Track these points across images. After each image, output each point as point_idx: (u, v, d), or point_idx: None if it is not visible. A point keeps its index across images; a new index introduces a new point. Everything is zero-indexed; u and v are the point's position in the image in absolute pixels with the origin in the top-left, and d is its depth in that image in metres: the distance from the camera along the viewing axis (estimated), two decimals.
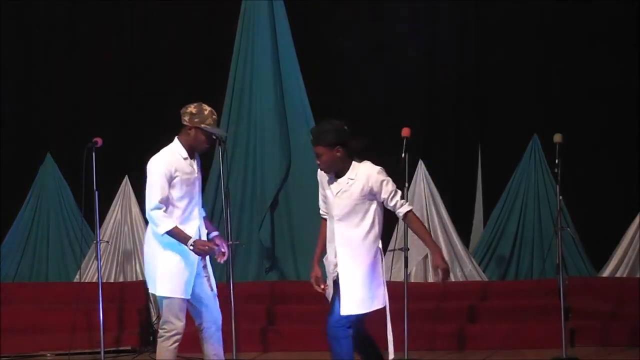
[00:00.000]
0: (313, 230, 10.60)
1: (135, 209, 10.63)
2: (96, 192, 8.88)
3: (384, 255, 6.69)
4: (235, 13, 10.73)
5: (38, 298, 10.12)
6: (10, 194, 10.68)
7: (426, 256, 10.58)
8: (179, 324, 6.86)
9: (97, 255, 8.97)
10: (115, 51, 10.88)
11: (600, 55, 10.70)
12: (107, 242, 10.25)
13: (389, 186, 6.47)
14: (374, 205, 6.49)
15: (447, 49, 10.91)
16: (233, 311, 8.65)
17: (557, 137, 8.84)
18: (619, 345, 9.39)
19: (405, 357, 8.63)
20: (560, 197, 8.80)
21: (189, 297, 6.89)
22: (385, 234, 10.27)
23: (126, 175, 10.67)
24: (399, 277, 9.80)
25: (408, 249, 8.84)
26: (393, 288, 9.27)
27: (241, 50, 10.74)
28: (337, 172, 6.55)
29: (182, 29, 10.88)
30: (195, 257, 6.90)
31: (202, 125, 6.92)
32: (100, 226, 9.51)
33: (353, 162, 6.55)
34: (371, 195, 6.46)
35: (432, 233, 10.59)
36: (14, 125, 10.79)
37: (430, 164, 10.74)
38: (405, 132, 8.67)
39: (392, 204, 6.47)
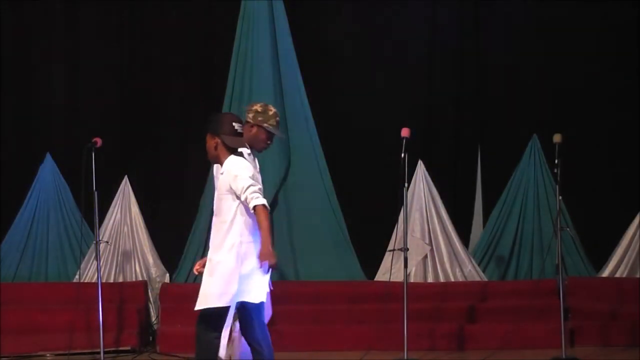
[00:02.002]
0: (312, 231, 10.70)
1: (135, 209, 10.62)
2: (96, 192, 8.87)
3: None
4: (235, 13, 10.73)
5: (38, 298, 10.10)
6: (10, 194, 10.67)
7: (426, 256, 10.59)
8: None
9: (96, 256, 8.97)
10: (115, 51, 10.88)
11: (600, 55, 10.71)
12: (107, 242, 10.24)
13: (240, 181, 6.31)
14: (236, 202, 6.39)
15: (447, 49, 10.92)
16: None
17: (557, 137, 8.84)
18: (618, 345, 9.40)
19: (405, 357, 8.63)
20: (560, 197, 8.80)
21: None
22: (385, 234, 10.40)
23: (126, 175, 10.66)
24: (399, 277, 9.80)
25: (408, 249, 8.84)
26: (393, 288, 9.37)
27: (241, 50, 10.74)
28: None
29: (181, 29, 10.88)
30: None
31: (265, 125, 6.98)
32: (99, 226, 9.51)
33: (229, 157, 6.49)
34: (232, 190, 6.38)
35: (431, 233, 10.62)
36: (14, 125, 10.78)
37: (430, 164, 10.74)
38: (405, 132, 8.66)
39: (243, 199, 6.34)
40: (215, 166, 6.99)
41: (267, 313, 7.08)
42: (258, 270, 6.40)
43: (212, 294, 6.34)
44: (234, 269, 6.35)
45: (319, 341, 9.54)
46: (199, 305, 6.38)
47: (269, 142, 7.13)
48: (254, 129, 7.16)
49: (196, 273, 6.73)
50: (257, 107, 7.14)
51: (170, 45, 10.89)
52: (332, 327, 9.69)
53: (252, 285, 6.43)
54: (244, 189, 6.31)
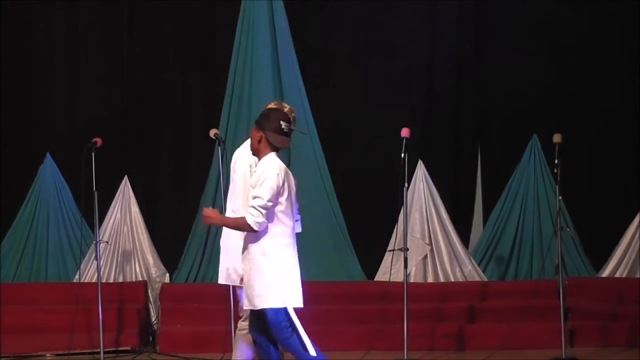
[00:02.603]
0: (312, 231, 10.69)
1: (135, 209, 10.62)
2: (96, 192, 8.87)
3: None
4: (235, 13, 10.73)
5: (38, 298, 10.11)
6: (10, 194, 10.67)
7: (426, 256, 10.59)
8: None
9: (96, 256, 8.97)
10: (114, 50, 10.87)
11: (600, 56, 10.71)
12: (107, 242, 10.24)
13: (257, 189, 6.38)
14: None
15: (447, 48, 10.91)
16: (233, 311, 8.64)
17: (557, 137, 8.85)
18: (618, 345, 9.40)
19: (405, 357, 8.64)
20: (560, 198, 8.81)
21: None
22: (385, 234, 10.40)
23: (125, 176, 10.67)
24: (399, 277, 9.80)
25: (408, 249, 8.84)
26: (393, 288, 9.37)
27: (241, 50, 10.74)
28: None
29: (181, 28, 10.88)
30: None
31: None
32: (99, 226, 9.51)
33: (269, 155, 6.52)
34: None
35: (431, 233, 10.61)
36: (14, 125, 10.78)
37: (430, 164, 10.74)
38: (405, 132, 8.67)
39: (249, 203, 6.41)
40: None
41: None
42: (286, 273, 6.53)
43: (261, 294, 6.44)
44: (277, 271, 6.47)
45: (319, 341, 9.45)
46: (258, 305, 6.46)
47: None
48: None
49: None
50: (272, 105, 7.15)
51: (171, 45, 10.88)
52: (332, 327, 9.69)
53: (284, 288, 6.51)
54: (251, 198, 6.37)
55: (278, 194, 6.41)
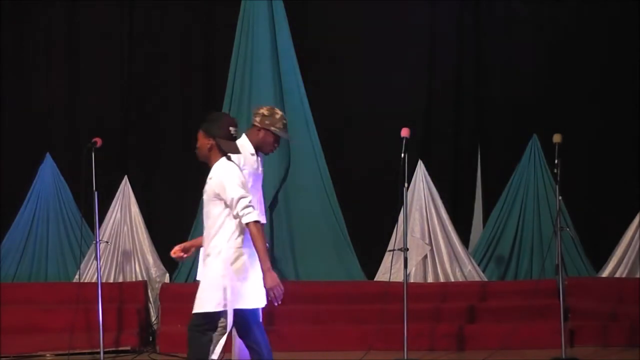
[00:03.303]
0: (312, 231, 10.71)
1: (135, 208, 10.63)
2: (96, 192, 8.87)
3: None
4: (235, 13, 10.73)
5: (38, 298, 10.11)
6: (10, 194, 10.67)
7: (426, 256, 10.59)
8: None
9: (96, 256, 8.97)
10: (115, 51, 10.88)
11: (600, 56, 10.72)
12: (107, 242, 10.25)
13: (229, 192, 6.24)
14: (225, 209, 6.29)
15: (447, 49, 10.91)
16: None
17: (557, 138, 8.85)
18: (618, 345, 9.40)
19: (405, 357, 8.64)
20: (560, 198, 8.81)
21: None
22: (385, 234, 10.40)
23: (125, 176, 10.67)
24: (399, 277, 9.80)
25: (408, 249, 8.84)
26: (393, 288, 9.37)
27: (241, 50, 10.75)
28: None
29: (181, 28, 10.88)
30: None
31: (272, 128, 6.99)
32: (99, 226, 9.51)
33: (220, 160, 6.41)
34: (220, 197, 6.30)
35: (431, 233, 10.62)
36: (14, 125, 10.78)
37: (430, 164, 10.75)
38: (405, 132, 8.67)
39: (234, 213, 6.25)
40: None
41: None
42: (251, 275, 6.34)
43: (205, 298, 6.30)
44: (222, 275, 6.27)
45: (319, 341, 9.54)
46: (195, 309, 6.34)
47: (276, 145, 7.15)
48: (262, 133, 7.18)
49: (172, 255, 6.71)
50: (264, 110, 7.16)
51: (170, 45, 10.89)
52: (332, 327, 9.70)
53: (246, 290, 6.33)
54: (235, 202, 6.24)
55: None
